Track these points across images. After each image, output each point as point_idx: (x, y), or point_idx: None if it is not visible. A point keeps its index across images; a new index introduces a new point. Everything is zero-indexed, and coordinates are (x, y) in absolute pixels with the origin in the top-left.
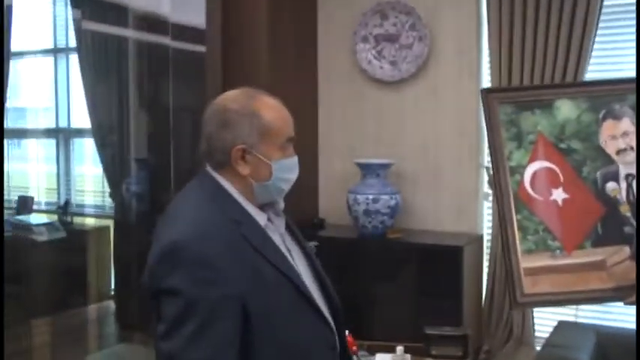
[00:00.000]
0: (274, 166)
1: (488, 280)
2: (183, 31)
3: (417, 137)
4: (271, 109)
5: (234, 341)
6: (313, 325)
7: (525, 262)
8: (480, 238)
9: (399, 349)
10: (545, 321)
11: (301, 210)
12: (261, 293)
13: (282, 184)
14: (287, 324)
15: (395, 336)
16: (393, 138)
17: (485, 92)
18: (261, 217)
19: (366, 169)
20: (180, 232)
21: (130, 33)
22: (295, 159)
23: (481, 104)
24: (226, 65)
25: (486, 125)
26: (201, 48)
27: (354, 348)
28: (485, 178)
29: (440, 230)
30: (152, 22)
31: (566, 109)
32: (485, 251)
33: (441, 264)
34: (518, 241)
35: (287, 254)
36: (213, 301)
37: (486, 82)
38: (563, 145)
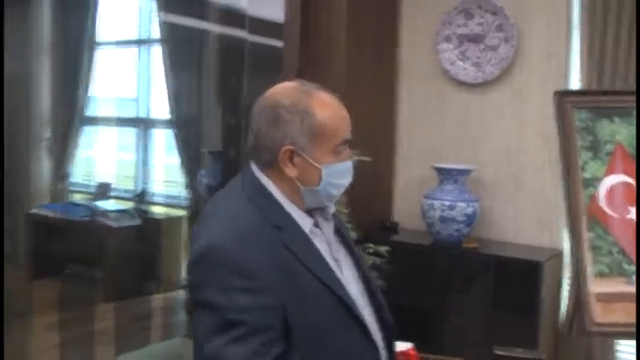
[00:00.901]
0: (324, 170)
1: (568, 301)
2: (260, 25)
3: (499, 143)
4: (326, 108)
5: (272, 351)
6: (354, 339)
7: (597, 287)
8: (561, 254)
9: None
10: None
11: (375, 212)
12: (301, 304)
13: (332, 190)
14: (327, 337)
15: (463, 352)
16: (473, 143)
17: (560, 95)
18: (306, 222)
19: (444, 174)
20: (217, 234)
21: (209, 26)
22: (349, 164)
23: None
24: (303, 61)
25: (558, 131)
26: (278, 42)
27: None
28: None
29: (519, 243)
30: (230, 16)
31: None
32: (567, 268)
33: (518, 279)
34: (589, 263)
35: (333, 263)
36: (253, 311)
37: (575, 87)
38: None
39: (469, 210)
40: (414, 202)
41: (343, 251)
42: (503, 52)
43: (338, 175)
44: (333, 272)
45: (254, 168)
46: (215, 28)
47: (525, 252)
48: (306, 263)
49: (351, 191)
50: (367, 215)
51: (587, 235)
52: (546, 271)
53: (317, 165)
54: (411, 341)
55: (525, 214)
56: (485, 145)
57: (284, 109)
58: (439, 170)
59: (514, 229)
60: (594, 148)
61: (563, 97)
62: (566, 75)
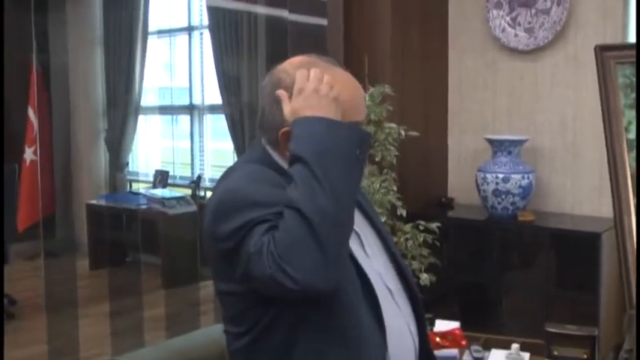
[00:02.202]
0: None
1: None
2: (304, 4)
3: (555, 111)
4: (337, 87)
5: None
6: (368, 317)
7: None
8: None
9: (515, 346)
10: None
11: (430, 188)
12: None
13: None
14: (342, 307)
15: (519, 329)
16: (527, 112)
17: (601, 49)
18: None
19: (497, 146)
20: (230, 182)
21: (253, 8)
22: None
23: None
24: (348, 38)
25: (600, 89)
26: (322, 21)
27: (464, 342)
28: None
29: (578, 214)
30: None
31: None
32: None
33: (575, 252)
34: (635, 233)
35: (353, 235)
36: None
37: None
38: None
39: (524, 182)
40: (468, 176)
41: (367, 226)
42: (555, 15)
43: None
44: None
45: (263, 141)
46: (259, 9)
47: (583, 223)
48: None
49: (402, 167)
50: (422, 191)
51: (633, 202)
52: (606, 243)
53: None
54: (465, 318)
55: (583, 184)
56: (539, 114)
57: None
58: (492, 142)
59: (572, 199)
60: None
61: (605, 51)
62: (623, 36)
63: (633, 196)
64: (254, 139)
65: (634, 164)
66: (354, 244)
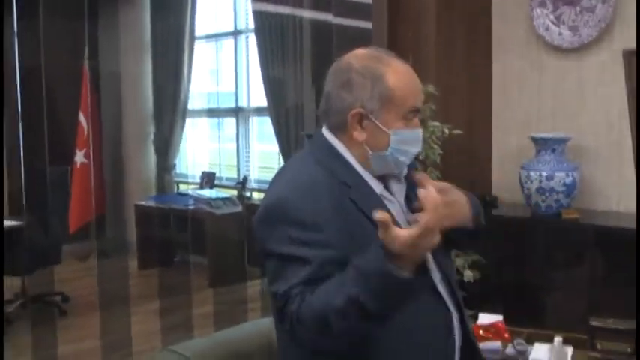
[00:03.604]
0: (393, 136)
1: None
2: (348, 8)
3: (600, 109)
4: (398, 75)
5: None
6: (426, 304)
7: None
8: None
9: (557, 339)
10: None
11: (474, 187)
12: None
13: (400, 156)
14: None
15: (563, 326)
16: (572, 111)
17: (628, 54)
18: (376, 186)
19: (541, 144)
20: (282, 190)
21: (296, 11)
22: (418, 132)
23: None
24: (393, 41)
25: (627, 91)
26: (367, 24)
27: (507, 335)
28: None
29: (623, 212)
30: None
31: None
32: None
33: (620, 249)
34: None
35: (405, 225)
36: (312, 264)
37: None
38: None
39: (568, 180)
40: (512, 174)
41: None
42: (600, 12)
43: (406, 142)
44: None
45: (325, 131)
46: (304, 13)
47: (629, 221)
48: (373, 219)
49: (445, 165)
50: (466, 190)
51: None
52: None
53: (386, 130)
54: (509, 314)
55: (629, 182)
56: (584, 113)
57: (356, 73)
58: (535, 140)
59: (617, 197)
60: None
61: (632, 56)
62: None
63: None
64: (300, 140)
65: None
66: None
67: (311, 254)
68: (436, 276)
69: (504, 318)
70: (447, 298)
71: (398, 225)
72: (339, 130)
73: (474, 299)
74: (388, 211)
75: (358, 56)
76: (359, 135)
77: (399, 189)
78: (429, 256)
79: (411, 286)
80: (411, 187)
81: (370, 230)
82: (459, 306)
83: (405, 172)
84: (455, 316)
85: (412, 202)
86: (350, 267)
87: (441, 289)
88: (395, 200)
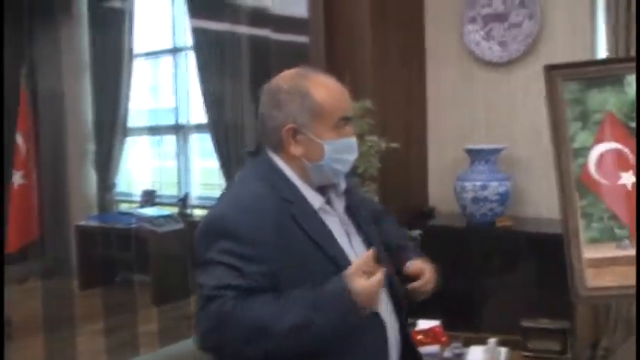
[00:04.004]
0: (327, 146)
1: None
2: (285, 23)
3: (530, 120)
4: (323, 88)
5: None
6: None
7: (589, 253)
8: None
9: (491, 341)
10: None
11: (411, 198)
12: (300, 273)
13: (336, 165)
14: None
15: (501, 329)
16: (503, 122)
17: (549, 69)
18: (316, 200)
19: (475, 155)
20: (224, 207)
21: (236, 28)
22: (352, 140)
23: None
24: (330, 55)
25: (547, 105)
26: (304, 39)
27: (444, 339)
28: None
29: (554, 217)
30: (256, 16)
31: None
32: None
33: (550, 254)
34: (581, 230)
35: (344, 237)
36: (245, 276)
37: None
38: (633, 125)
39: (501, 189)
40: (448, 185)
41: (354, 227)
42: (527, 29)
43: (341, 150)
44: (340, 246)
45: (268, 150)
46: (241, 29)
47: (559, 226)
48: (311, 235)
49: (383, 178)
50: (404, 201)
51: (578, 204)
52: None
53: (319, 141)
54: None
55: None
56: (515, 124)
57: (284, 93)
58: (469, 152)
59: (548, 205)
60: (583, 118)
61: (552, 70)
62: (592, 50)
63: (578, 198)
64: (240, 157)
65: (577, 170)
66: (345, 245)
67: (244, 267)
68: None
69: (444, 324)
70: (387, 303)
71: (331, 234)
72: (276, 147)
73: (414, 307)
74: (325, 225)
75: (285, 77)
76: (295, 149)
77: (339, 202)
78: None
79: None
80: (350, 199)
81: (307, 244)
82: (400, 311)
83: (343, 185)
84: (395, 320)
85: (352, 213)
86: (310, 292)
87: (382, 294)
88: (334, 213)
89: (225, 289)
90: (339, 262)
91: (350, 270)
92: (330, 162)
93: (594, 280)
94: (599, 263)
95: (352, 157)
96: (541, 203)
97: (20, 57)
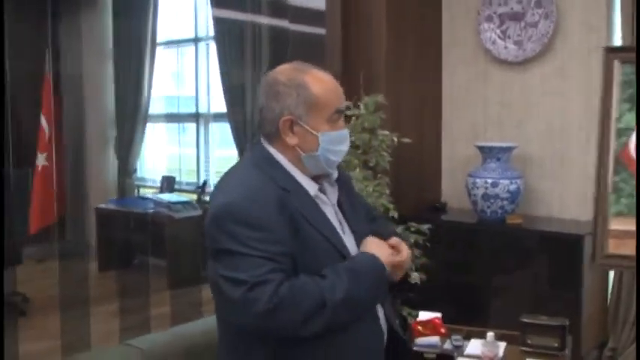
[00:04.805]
0: (321, 137)
1: (615, 274)
2: (303, 14)
3: (543, 119)
4: (319, 82)
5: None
6: None
7: (614, 225)
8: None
9: (490, 335)
10: None
11: (424, 193)
12: (306, 258)
13: (330, 156)
14: None
15: (506, 325)
16: (517, 121)
17: (608, 51)
18: (311, 187)
19: (487, 153)
20: (230, 195)
21: (255, 18)
22: (345, 132)
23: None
24: (346, 47)
25: (603, 84)
26: (321, 30)
27: (443, 331)
28: None
29: (566, 218)
30: (275, 7)
31: None
32: None
33: (560, 253)
34: (611, 203)
35: (337, 225)
36: (268, 257)
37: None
38: None
39: (512, 187)
40: (460, 181)
41: (345, 218)
42: (543, 28)
43: (335, 141)
44: (337, 232)
45: (262, 141)
46: (262, 20)
47: (568, 226)
48: (312, 222)
49: (397, 173)
50: (417, 196)
51: (612, 179)
52: (588, 245)
53: (314, 132)
54: (455, 315)
55: (570, 190)
56: (528, 123)
57: (282, 85)
58: (482, 149)
59: (559, 204)
60: (632, 100)
61: (611, 52)
62: None
63: (612, 174)
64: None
65: (618, 148)
66: (340, 233)
67: (264, 250)
68: None
69: (449, 317)
70: None
71: (329, 221)
72: (273, 138)
73: (421, 301)
74: (321, 211)
75: (282, 71)
76: (291, 140)
77: (332, 191)
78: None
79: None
80: (342, 190)
81: (309, 231)
82: (385, 303)
83: (335, 175)
84: (380, 312)
85: (342, 205)
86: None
87: None
88: (328, 202)
89: (264, 275)
90: (338, 248)
91: (376, 248)
92: (324, 152)
93: (613, 249)
94: (621, 235)
95: (345, 147)
96: (552, 203)
97: (44, 43)
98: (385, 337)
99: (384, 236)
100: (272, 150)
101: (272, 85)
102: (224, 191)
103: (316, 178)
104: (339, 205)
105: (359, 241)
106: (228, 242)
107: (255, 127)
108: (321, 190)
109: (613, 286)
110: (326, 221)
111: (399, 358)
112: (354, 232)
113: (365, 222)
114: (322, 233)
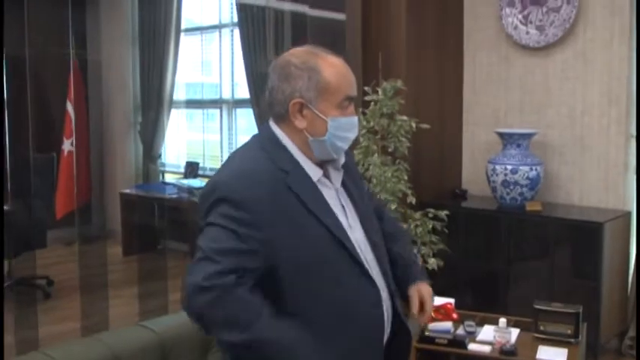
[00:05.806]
0: (330, 122)
1: (636, 261)
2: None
3: (564, 105)
4: (331, 67)
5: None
6: (354, 280)
7: None
8: (628, 215)
9: (502, 321)
10: None
11: (444, 179)
12: (296, 243)
13: (337, 142)
14: (324, 275)
15: (522, 311)
16: (538, 107)
17: None
18: (315, 172)
19: (507, 139)
20: (225, 175)
21: (279, 4)
22: (354, 119)
23: (633, 70)
24: (365, 33)
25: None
26: (341, 16)
27: (455, 316)
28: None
29: (585, 205)
30: None
31: None
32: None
33: (579, 241)
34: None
35: (339, 209)
36: (240, 235)
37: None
38: None
39: (532, 173)
40: (480, 168)
41: (350, 201)
42: (565, 13)
43: (343, 128)
44: (335, 215)
45: (270, 122)
46: (285, 6)
47: (588, 213)
48: (308, 204)
49: (416, 158)
50: (437, 182)
51: None
52: (609, 233)
53: (323, 117)
54: (473, 301)
55: (590, 176)
56: (549, 109)
57: (294, 67)
58: (502, 135)
59: (579, 191)
60: None
61: None
62: (630, 35)
63: None
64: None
65: None
66: (340, 216)
67: (238, 229)
68: (369, 256)
69: (467, 302)
70: (378, 279)
71: (327, 205)
72: (281, 119)
73: (440, 287)
74: (321, 195)
75: (296, 53)
76: (299, 123)
77: (337, 175)
78: (368, 247)
79: None
80: (348, 174)
81: (301, 212)
82: (389, 285)
83: (342, 160)
84: (385, 294)
85: (348, 188)
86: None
87: (372, 267)
88: (332, 186)
89: (225, 255)
90: (332, 230)
91: None
92: (332, 138)
93: None
94: None
95: (353, 134)
96: (572, 190)
97: (68, 27)
98: (389, 327)
99: (394, 257)
100: (278, 131)
101: (284, 66)
102: (222, 171)
103: (321, 164)
104: (344, 184)
105: (363, 221)
106: (212, 216)
107: None
108: (325, 174)
109: (633, 275)
110: (326, 206)
111: (401, 348)
112: (358, 212)
113: (369, 201)
114: (318, 218)
